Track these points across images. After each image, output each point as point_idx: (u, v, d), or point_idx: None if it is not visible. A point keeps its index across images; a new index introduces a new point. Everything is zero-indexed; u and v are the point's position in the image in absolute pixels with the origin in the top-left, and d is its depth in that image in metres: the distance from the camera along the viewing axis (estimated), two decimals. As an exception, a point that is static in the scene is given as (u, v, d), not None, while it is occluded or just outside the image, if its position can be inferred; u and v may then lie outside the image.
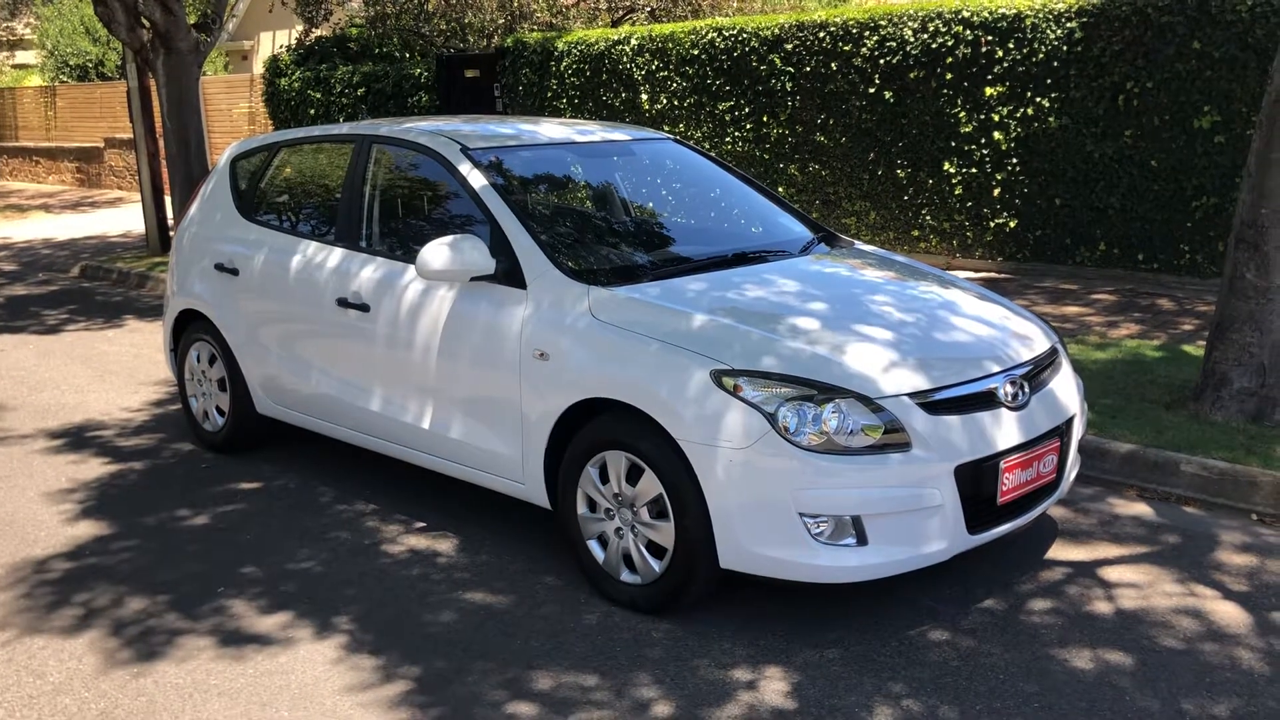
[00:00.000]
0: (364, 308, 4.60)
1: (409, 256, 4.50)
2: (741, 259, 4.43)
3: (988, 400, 3.64)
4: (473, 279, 4.14)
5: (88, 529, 4.66)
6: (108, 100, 21.63)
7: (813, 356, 3.56)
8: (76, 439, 5.89)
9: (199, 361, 5.59)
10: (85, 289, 10.89)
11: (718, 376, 3.50)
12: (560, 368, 3.87)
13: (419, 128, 4.88)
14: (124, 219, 15.92)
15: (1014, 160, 8.90)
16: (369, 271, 4.64)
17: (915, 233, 9.62)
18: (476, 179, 4.42)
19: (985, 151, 9.01)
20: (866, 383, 3.49)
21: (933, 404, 3.52)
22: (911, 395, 3.50)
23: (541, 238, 4.19)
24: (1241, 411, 5.18)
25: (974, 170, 9.12)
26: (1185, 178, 8.15)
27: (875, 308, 4.00)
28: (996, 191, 9.05)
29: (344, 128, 5.34)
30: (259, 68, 22.17)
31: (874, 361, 3.57)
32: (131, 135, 13.67)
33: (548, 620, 3.76)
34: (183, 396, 5.78)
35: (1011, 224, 9.05)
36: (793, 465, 3.37)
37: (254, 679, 3.43)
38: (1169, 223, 8.29)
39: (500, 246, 4.17)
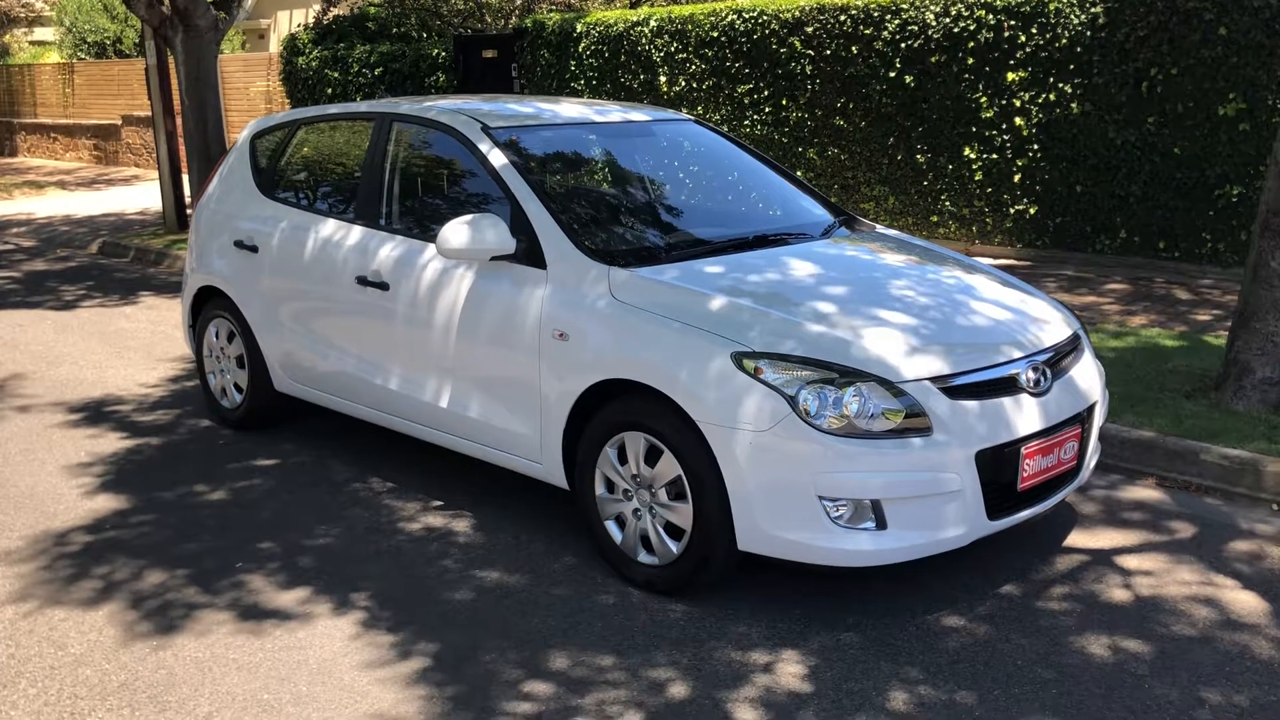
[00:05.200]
0: (383, 286, 4.60)
1: (428, 235, 4.49)
2: (762, 241, 4.41)
3: (1009, 386, 3.62)
4: (492, 258, 4.14)
5: (107, 503, 4.68)
6: (125, 78, 21.65)
7: (834, 339, 3.55)
8: (95, 414, 5.92)
9: (217, 338, 5.61)
10: (103, 265, 10.93)
11: (738, 359, 3.49)
12: (579, 348, 3.86)
13: (439, 106, 4.86)
14: (141, 196, 15.96)
15: (1035, 146, 8.83)
16: (388, 250, 4.64)
17: (934, 218, 9.57)
18: (497, 158, 4.40)
19: (1006, 137, 8.95)
20: (888, 366, 3.47)
21: (954, 389, 3.50)
22: (933, 379, 3.48)
23: (561, 218, 4.17)
24: (1263, 401, 5.14)
25: (994, 156, 9.06)
26: (1209, 166, 8.07)
27: (896, 292, 3.98)
28: (1017, 178, 8.99)
29: (363, 106, 5.33)
30: (276, 46, 22.16)
31: (895, 345, 3.56)
32: (149, 113, 13.72)
33: (564, 600, 3.76)
34: (201, 373, 5.80)
35: (1032, 210, 8.99)
36: (813, 448, 3.36)
37: (272, 653, 3.45)
38: (1191, 211, 8.23)
39: (520, 226, 4.16)
